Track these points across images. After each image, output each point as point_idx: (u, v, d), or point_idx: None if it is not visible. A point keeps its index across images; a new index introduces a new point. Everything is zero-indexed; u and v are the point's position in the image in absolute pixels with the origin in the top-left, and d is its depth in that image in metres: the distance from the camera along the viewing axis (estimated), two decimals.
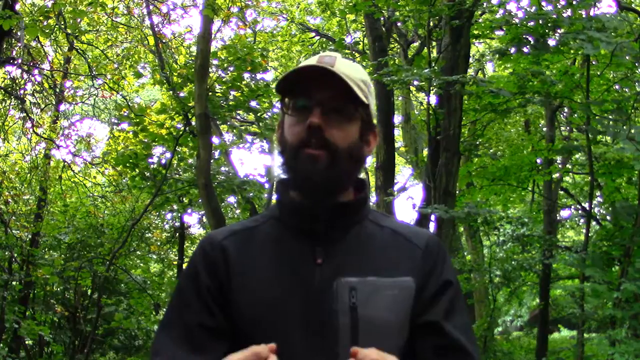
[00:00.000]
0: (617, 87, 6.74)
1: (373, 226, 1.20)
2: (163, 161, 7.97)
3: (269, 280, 1.13)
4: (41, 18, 5.57)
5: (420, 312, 1.12)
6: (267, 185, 8.81)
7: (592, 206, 6.40)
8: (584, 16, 5.13)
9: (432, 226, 6.34)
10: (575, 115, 7.27)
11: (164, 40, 8.22)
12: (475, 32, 6.10)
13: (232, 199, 9.21)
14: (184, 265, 9.96)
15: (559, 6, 5.19)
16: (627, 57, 4.53)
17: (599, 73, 6.08)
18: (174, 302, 1.20)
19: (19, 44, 6.61)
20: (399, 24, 8.29)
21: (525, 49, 4.96)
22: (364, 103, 1.15)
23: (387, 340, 1.09)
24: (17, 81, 7.63)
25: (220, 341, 1.13)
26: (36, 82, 7.89)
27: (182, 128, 7.57)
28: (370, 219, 1.21)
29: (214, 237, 1.21)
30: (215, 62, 7.47)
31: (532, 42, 4.90)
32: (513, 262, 7.34)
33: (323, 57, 1.15)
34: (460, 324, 1.14)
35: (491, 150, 9.82)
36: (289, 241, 1.17)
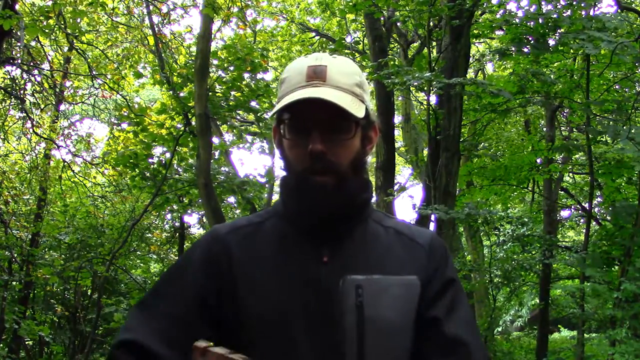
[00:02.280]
0: (617, 87, 6.74)
1: (377, 226, 1.21)
2: (163, 161, 7.98)
3: (275, 278, 1.13)
4: (41, 18, 5.57)
5: (424, 311, 1.12)
6: (267, 185, 8.80)
7: (592, 206, 6.40)
8: (583, 16, 5.13)
9: (432, 226, 6.34)
10: (575, 115, 7.27)
11: (164, 40, 8.22)
12: (475, 32, 6.10)
13: (232, 199, 9.21)
14: None
15: (559, 6, 5.19)
16: (627, 58, 4.53)
17: (599, 73, 6.08)
18: (160, 286, 1.18)
19: (19, 44, 6.60)
20: (398, 24, 8.28)
21: (525, 49, 4.96)
22: (362, 112, 1.13)
23: (394, 338, 1.09)
24: (17, 81, 7.63)
25: (198, 337, 1.07)
26: (36, 82, 7.88)
27: (182, 128, 7.57)
28: (373, 219, 1.22)
29: (219, 232, 1.21)
30: (215, 62, 7.47)
31: (532, 42, 4.90)
32: (513, 262, 7.34)
33: (312, 69, 1.12)
34: (461, 319, 1.13)
35: (491, 151, 9.82)
36: (294, 239, 1.17)
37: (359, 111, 1.11)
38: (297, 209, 1.17)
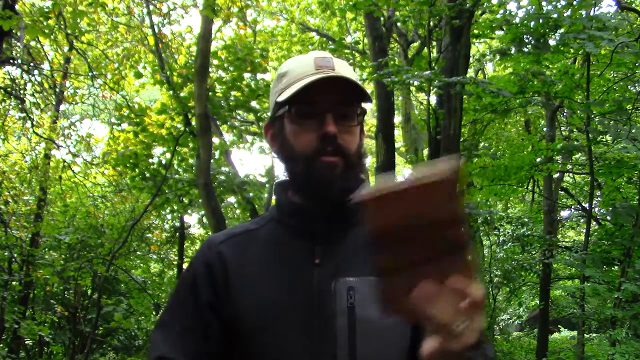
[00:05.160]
0: (616, 87, 6.75)
1: None
2: (163, 161, 7.98)
3: (268, 282, 1.12)
4: (41, 18, 5.57)
5: None
6: (267, 185, 8.80)
7: (592, 206, 6.40)
8: (584, 16, 5.13)
9: None
10: (576, 116, 7.28)
11: (164, 40, 8.22)
12: (475, 32, 6.10)
13: (232, 199, 9.21)
14: (184, 265, 9.99)
15: (559, 6, 5.19)
16: (627, 56, 4.52)
17: (599, 73, 6.08)
18: (172, 303, 1.21)
19: (19, 44, 6.60)
20: (398, 24, 8.28)
21: (525, 49, 4.96)
22: (365, 102, 1.16)
23: (386, 339, 1.08)
24: (17, 81, 7.63)
25: (214, 346, 1.15)
26: (36, 82, 7.88)
27: (182, 128, 7.57)
28: None
29: (213, 242, 1.22)
30: (215, 62, 7.47)
31: (532, 42, 4.90)
32: (513, 262, 7.34)
33: (321, 59, 1.15)
34: None
35: (491, 151, 9.82)
36: (288, 242, 1.16)
37: (367, 95, 1.15)
38: (308, 192, 1.16)
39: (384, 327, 1.08)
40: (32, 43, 7.48)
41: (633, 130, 4.75)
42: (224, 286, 1.14)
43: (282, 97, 1.14)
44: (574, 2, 5.02)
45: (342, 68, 1.15)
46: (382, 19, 7.77)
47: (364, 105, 1.16)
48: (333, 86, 1.11)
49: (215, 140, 7.98)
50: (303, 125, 1.14)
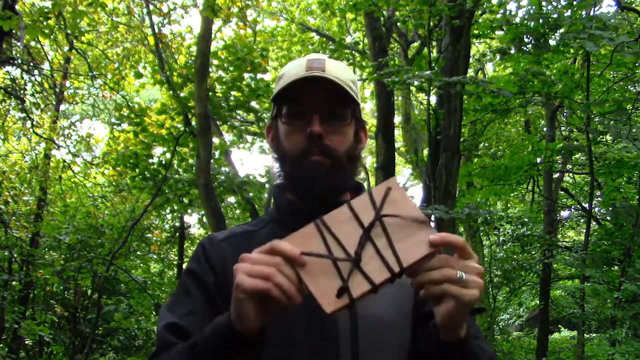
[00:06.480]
0: (616, 87, 6.75)
1: None
2: (163, 161, 7.98)
3: None
4: (41, 18, 5.57)
5: (421, 308, 1.14)
6: (267, 185, 8.80)
7: (592, 206, 6.40)
8: (584, 16, 5.13)
9: (432, 226, 6.32)
10: (575, 116, 7.27)
11: (164, 40, 8.21)
12: (476, 32, 6.10)
13: (232, 199, 9.21)
14: (184, 265, 9.97)
15: (559, 6, 5.19)
16: (628, 55, 4.52)
17: (599, 73, 6.08)
18: (179, 292, 1.20)
19: (19, 44, 6.61)
20: (398, 24, 8.28)
21: (525, 49, 4.96)
22: (356, 104, 1.18)
23: (388, 338, 1.11)
24: (17, 81, 7.63)
25: None
26: (36, 82, 7.89)
27: (182, 128, 7.57)
28: None
29: (215, 238, 1.23)
30: (215, 62, 7.47)
31: (532, 42, 4.90)
32: (513, 262, 7.34)
33: (312, 61, 1.16)
34: None
35: (491, 151, 9.82)
36: None
37: (355, 97, 1.16)
38: (294, 189, 1.18)
39: (384, 322, 1.11)
40: (32, 43, 7.49)
41: (633, 130, 4.75)
42: (224, 283, 1.14)
43: (276, 91, 1.17)
44: (574, 2, 5.02)
45: (334, 69, 1.16)
46: (382, 19, 7.77)
47: (357, 103, 1.17)
48: (322, 87, 1.12)
49: (215, 140, 7.99)
50: (293, 125, 1.16)
